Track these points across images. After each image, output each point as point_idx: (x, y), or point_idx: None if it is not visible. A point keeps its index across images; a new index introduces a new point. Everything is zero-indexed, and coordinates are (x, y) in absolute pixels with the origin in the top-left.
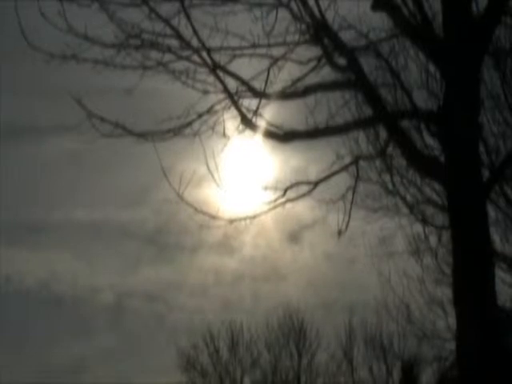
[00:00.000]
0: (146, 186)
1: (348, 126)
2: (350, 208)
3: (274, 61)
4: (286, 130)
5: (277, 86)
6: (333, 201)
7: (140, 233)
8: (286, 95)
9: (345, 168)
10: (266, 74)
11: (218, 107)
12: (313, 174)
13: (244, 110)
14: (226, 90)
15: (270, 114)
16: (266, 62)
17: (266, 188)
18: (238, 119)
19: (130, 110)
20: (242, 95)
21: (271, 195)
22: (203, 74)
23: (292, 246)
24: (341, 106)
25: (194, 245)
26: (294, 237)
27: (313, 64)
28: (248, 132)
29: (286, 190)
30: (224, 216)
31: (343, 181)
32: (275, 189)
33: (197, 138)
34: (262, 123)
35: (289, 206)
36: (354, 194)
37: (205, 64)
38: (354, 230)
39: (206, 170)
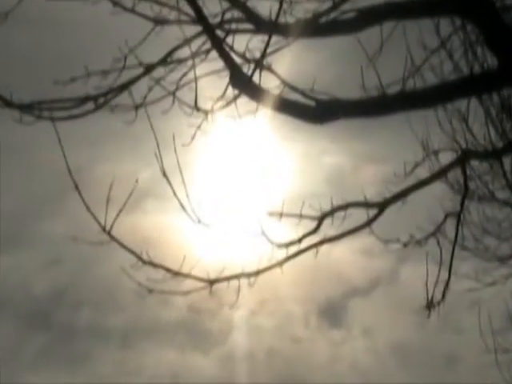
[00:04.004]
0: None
1: (449, 88)
2: (452, 255)
3: None
4: (322, 98)
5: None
6: (414, 243)
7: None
8: (317, 28)
9: (442, 173)
10: None
11: (184, 54)
12: (372, 186)
13: (237, 60)
14: (199, 15)
15: (287, 66)
16: None
17: (278, 215)
18: (226, 78)
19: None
20: (232, 30)
21: (289, 229)
22: None
23: (332, 333)
24: (431, 51)
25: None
26: (334, 314)
27: None
28: (243, 103)
29: (320, 220)
30: (200, 273)
31: (423, 200)
32: (298, 217)
33: (143, 116)
34: (270, 86)
35: (324, 249)
36: (458, 225)
37: None
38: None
39: (160, 178)
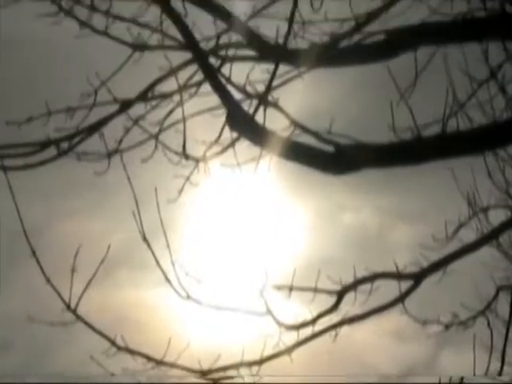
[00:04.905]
0: None
1: (500, 129)
2: (506, 339)
3: None
4: (342, 142)
5: None
6: (458, 324)
7: None
8: (336, 55)
9: (492, 236)
10: None
11: (169, 87)
12: (404, 251)
13: (235, 94)
14: (188, 38)
15: (298, 102)
16: None
17: (287, 289)
18: (222, 117)
19: None
20: (229, 57)
21: (301, 306)
22: None
23: None
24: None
25: None
26: None
27: None
28: (243, 148)
29: (340, 295)
30: (189, 362)
31: (470, 270)
32: (312, 291)
33: (117, 164)
34: (277, 127)
35: (345, 332)
36: None
37: None
38: None
39: (139, 241)
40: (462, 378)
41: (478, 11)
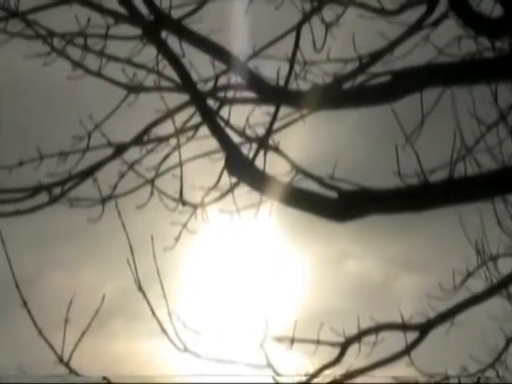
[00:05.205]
0: None
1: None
2: None
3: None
4: (345, 188)
5: None
6: (467, 376)
7: None
8: (340, 97)
9: (502, 286)
10: None
11: (165, 130)
12: (410, 301)
13: (234, 138)
14: (185, 80)
15: (300, 146)
16: None
17: (288, 341)
18: (220, 162)
19: None
20: (228, 99)
21: (303, 358)
22: None
23: None
24: (487, 127)
25: None
26: None
27: None
28: (243, 194)
29: (343, 347)
30: None
31: (478, 321)
32: (314, 343)
33: (112, 210)
34: (278, 172)
35: None
36: None
37: None
38: None
39: (134, 291)
40: None
41: (487, 51)
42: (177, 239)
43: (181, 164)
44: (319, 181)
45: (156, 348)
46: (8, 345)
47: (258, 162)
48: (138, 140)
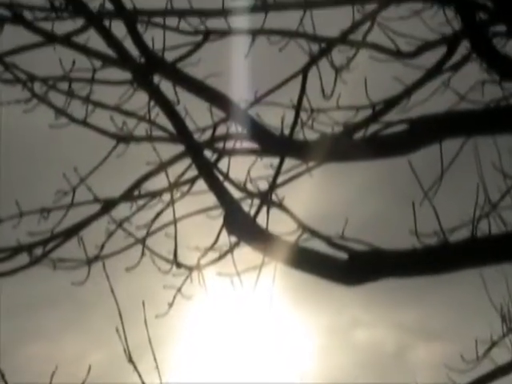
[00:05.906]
0: None
1: None
2: None
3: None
4: (357, 248)
5: None
6: None
7: None
8: (350, 148)
9: None
10: None
11: (158, 185)
12: (428, 373)
13: (234, 193)
14: (181, 129)
15: (307, 202)
16: None
17: None
18: (219, 219)
19: None
20: (227, 151)
21: None
22: None
23: None
24: None
25: None
26: None
27: None
28: (243, 255)
29: None
30: None
31: None
32: None
33: (99, 273)
34: (282, 230)
35: None
36: None
37: None
38: None
39: (123, 362)
40: None
41: None
42: (170, 305)
43: (175, 222)
44: (327, 240)
45: None
46: None
47: (261, 220)
48: (128, 195)
